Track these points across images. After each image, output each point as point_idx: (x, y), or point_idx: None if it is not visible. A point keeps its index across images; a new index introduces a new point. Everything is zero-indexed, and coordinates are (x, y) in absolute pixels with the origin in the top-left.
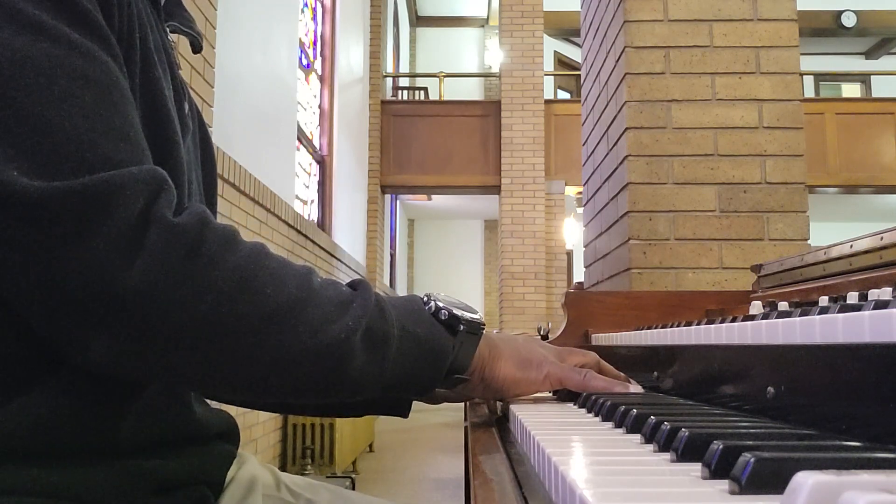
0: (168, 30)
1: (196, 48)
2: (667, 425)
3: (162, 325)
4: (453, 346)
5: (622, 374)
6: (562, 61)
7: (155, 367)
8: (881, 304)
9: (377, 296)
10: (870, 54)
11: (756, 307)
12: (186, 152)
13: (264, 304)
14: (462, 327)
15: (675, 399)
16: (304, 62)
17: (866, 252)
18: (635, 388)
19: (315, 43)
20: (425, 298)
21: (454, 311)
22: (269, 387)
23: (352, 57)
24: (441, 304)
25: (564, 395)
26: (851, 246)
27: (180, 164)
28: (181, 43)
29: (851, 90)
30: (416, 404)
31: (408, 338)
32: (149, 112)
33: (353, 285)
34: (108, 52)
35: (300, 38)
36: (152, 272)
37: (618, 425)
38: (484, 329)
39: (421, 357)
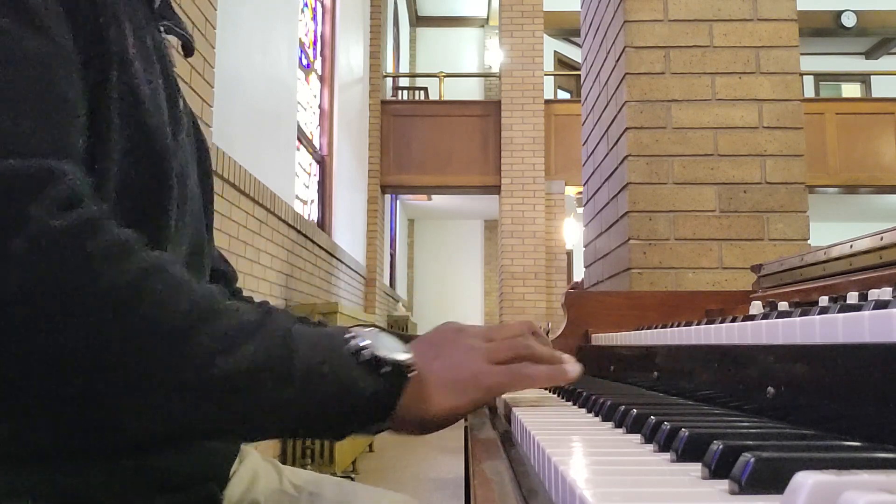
0: (162, 29)
1: (188, 52)
2: (667, 425)
3: (26, 344)
4: (373, 391)
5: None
6: (562, 61)
7: (28, 386)
8: (881, 304)
9: (288, 329)
10: (870, 54)
11: (756, 307)
12: (181, 148)
13: (140, 331)
14: (385, 370)
15: (675, 399)
16: (304, 62)
17: (866, 252)
18: (573, 367)
19: (315, 43)
20: (348, 335)
21: (377, 353)
22: (145, 422)
23: (352, 57)
24: (364, 343)
25: (566, 394)
26: (851, 246)
27: (165, 156)
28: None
29: (851, 90)
30: None
31: (314, 377)
32: (127, 107)
33: (261, 315)
34: (48, 43)
35: (300, 38)
36: (13, 283)
37: (618, 425)
38: (413, 372)
39: (328, 399)
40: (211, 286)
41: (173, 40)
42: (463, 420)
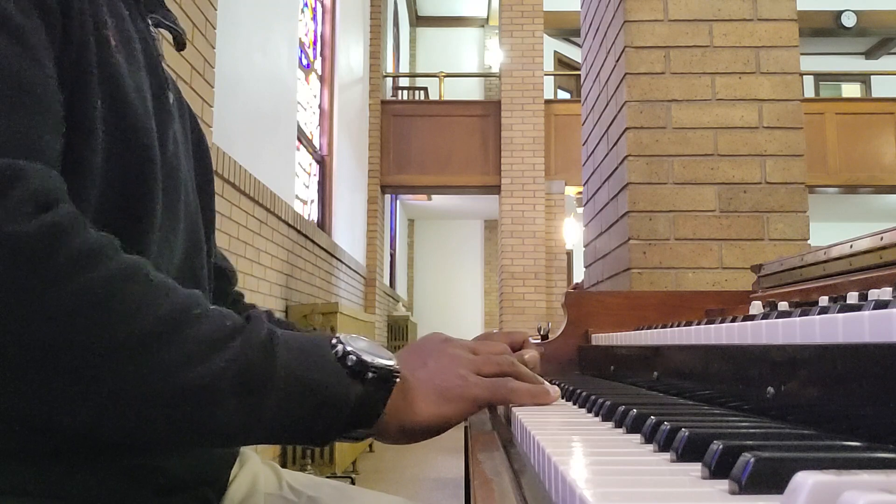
0: (151, 23)
1: (179, 45)
2: (667, 425)
3: None
4: (358, 396)
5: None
6: (562, 61)
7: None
8: (881, 304)
9: (269, 334)
10: (870, 54)
11: (756, 307)
12: (170, 142)
13: (112, 334)
14: (371, 375)
15: (674, 399)
16: (304, 62)
17: (866, 252)
18: (554, 389)
19: (315, 43)
20: (334, 341)
21: (363, 357)
22: (117, 428)
23: (352, 57)
24: (350, 349)
25: (566, 394)
26: (851, 246)
27: (150, 148)
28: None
29: (851, 90)
30: None
31: (296, 384)
32: (108, 98)
33: (242, 322)
34: (14, 42)
35: (300, 38)
36: None
37: (618, 425)
38: (398, 377)
39: (311, 406)
40: (195, 291)
41: (165, 34)
42: (464, 420)
